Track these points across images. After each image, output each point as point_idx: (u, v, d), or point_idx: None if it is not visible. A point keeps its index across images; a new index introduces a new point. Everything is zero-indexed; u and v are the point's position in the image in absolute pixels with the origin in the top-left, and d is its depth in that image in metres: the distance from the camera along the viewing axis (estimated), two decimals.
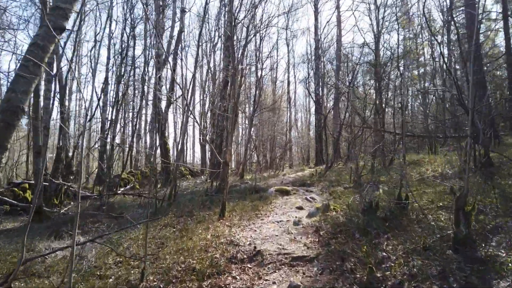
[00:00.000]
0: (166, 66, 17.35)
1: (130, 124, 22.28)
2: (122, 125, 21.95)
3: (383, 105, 15.52)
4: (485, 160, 7.77)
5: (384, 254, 4.10)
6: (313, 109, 37.55)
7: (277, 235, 5.72)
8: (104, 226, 8.34)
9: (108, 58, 18.54)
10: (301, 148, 27.34)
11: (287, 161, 23.96)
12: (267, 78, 30.12)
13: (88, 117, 12.24)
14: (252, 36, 12.24)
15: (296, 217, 6.97)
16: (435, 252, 3.79)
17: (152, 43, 18.33)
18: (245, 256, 4.96)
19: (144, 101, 20.39)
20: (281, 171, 19.51)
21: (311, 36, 56.78)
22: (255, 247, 5.18)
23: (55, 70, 13.78)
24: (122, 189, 16.13)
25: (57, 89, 13.12)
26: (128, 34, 16.74)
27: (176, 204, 9.28)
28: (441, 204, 5.58)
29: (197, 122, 7.16)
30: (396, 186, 8.59)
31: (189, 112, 9.28)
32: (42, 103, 10.67)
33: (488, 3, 24.40)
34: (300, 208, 7.86)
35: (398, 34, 15.00)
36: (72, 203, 12.33)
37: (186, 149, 31.49)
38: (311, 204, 8.43)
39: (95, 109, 12.74)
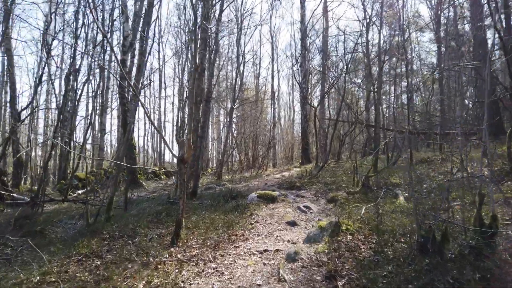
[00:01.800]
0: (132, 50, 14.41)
1: (97, 118, 19.13)
2: (88, 118, 18.76)
3: (379, 98, 13.24)
4: None
5: None
6: (297, 107, 35.27)
7: (259, 285, 3.10)
8: (8, 250, 5.51)
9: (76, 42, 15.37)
10: (285, 146, 24.87)
11: (270, 160, 21.42)
12: (249, 73, 27.62)
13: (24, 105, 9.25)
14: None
15: (289, 241, 4.37)
16: None
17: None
18: None
19: (102, 88, 17.32)
20: (264, 170, 16.93)
21: (295, 28, 54.81)
22: None
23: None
24: (79, 191, 13.19)
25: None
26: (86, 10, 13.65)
27: (121, 217, 6.50)
28: None
29: (143, 106, 4.68)
30: (419, 191, 6.18)
31: (133, 94, 6.52)
32: None
33: None
34: (293, 224, 5.28)
35: (402, 19, 12.72)
36: (4, 210, 9.32)
37: (164, 147, 28.44)
38: (307, 216, 5.87)
39: (32, 97, 9.79)
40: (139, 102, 14.37)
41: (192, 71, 4.50)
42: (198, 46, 9.19)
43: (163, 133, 26.78)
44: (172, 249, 4.20)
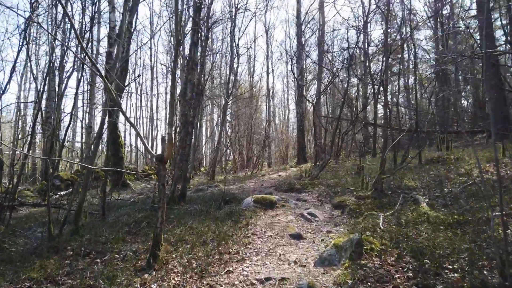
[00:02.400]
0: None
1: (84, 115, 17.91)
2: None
3: (385, 94, 12.34)
4: None
5: None
6: (291, 106, 34.39)
7: None
8: None
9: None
10: (280, 146, 23.95)
11: (265, 159, 20.47)
12: (243, 69, 26.64)
13: None
14: None
15: (296, 263, 3.39)
16: None
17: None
18: None
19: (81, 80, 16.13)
20: (259, 170, 15.97)
21: (290, 25, 53.77)
22: None
23: None
24: (62, 192, 12.07)
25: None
26: None
27: (94, 227, 5.45)
28: None
29: (117, 102, 3.68)
30: (442, 196, 5.26)
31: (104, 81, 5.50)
32: None
33: None
34: (298, 237, 4.30)
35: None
36: None
37: (156, 145, 27.25)
38: (312, 226, 4.91)
39: (3, 90, 8.62)
40: (120, 99, 13.00)
41: (174, 50, 3.54)
42: (186, 29, 8.13)
43: (156, 132, 25.64)
44: (146, 275, 3.19)
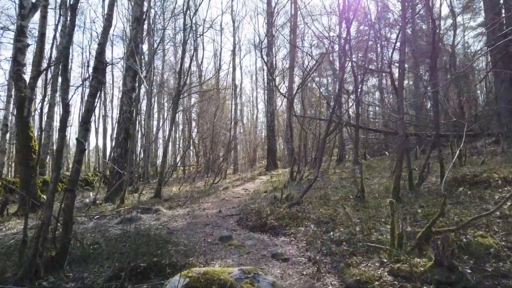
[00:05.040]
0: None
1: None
2: None
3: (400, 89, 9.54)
4: None
5: None
6: (260, 105, 31.26)
7: None
8: None
9: None
10: (248, 148, 20.72)
11: (230, 164, 17.13)
12: (209, 64, 23.06)
13: None
14: None
15: None
16: None
17: None
18: None
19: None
20: (223, 178, 12.62)
21: (260, 19, 50.17)
22: None
23: None
24: None
25: None
26: None
27: None
28: None
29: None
30: None
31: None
32: None
33: None
34: None
35: None
36: None
37: (108, 144, 22.80)
38: None
39: None
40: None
41: None
42: None
43: (109, 131, 21.31)
44: None
